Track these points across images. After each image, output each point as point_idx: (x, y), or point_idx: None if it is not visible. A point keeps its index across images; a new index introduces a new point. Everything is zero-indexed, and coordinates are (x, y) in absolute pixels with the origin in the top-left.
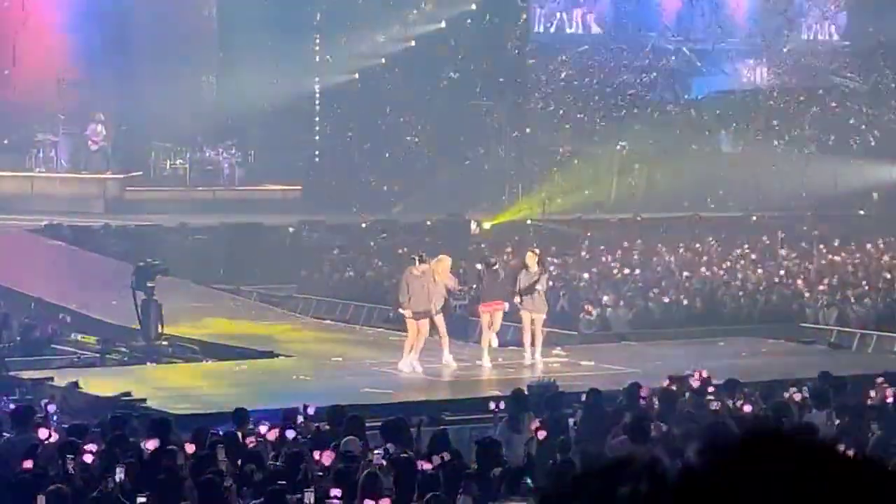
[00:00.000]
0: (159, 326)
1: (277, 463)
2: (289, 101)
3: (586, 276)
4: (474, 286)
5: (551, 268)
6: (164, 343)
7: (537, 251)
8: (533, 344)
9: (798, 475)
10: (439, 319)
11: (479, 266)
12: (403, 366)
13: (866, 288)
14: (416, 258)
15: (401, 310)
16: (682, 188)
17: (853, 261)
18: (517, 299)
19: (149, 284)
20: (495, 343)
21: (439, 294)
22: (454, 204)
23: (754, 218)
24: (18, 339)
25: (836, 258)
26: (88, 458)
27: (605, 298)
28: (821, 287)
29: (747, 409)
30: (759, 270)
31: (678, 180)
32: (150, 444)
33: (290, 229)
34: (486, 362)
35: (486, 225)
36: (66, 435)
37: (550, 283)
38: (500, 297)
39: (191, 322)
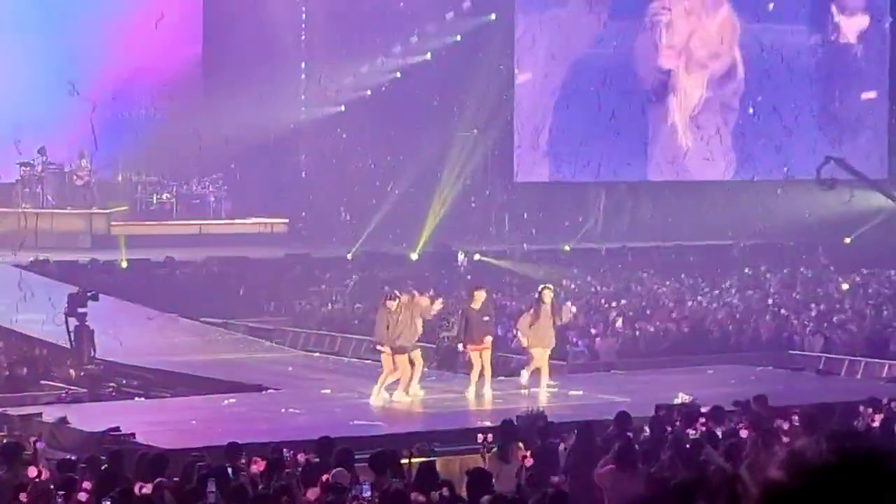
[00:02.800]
0: (92, 351)
1: (265, 495)
2: (274, 134)
3: (574, 308)
4: (458, 323)
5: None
6: (96, 367)
7: (551, 287)
8: (540, 375)
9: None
10: (416, 354)
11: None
12: (379, 400)
13: (852, 315)
14: (389, 295)
15: (378, 347)
16: (667, 218)
17: (839, 288)
18: (526, 337)
19: (80, 311)
20: (525, 379)
21: (415, 329)
22: (441, 235)
23: (742, 245)
24: (7, 374)
25: (821, 286)
26: (83, 497)
27: (594, 330)
28: (807, 315)
29: (743, 433)
30: (747, 299)
31: (664, 210)
32: (146, 489)
33: (277, 262)
34: (471, 396)
35: (476, 256)
36: (56, 471)
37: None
38: (486, 334)
39: (178, 355)
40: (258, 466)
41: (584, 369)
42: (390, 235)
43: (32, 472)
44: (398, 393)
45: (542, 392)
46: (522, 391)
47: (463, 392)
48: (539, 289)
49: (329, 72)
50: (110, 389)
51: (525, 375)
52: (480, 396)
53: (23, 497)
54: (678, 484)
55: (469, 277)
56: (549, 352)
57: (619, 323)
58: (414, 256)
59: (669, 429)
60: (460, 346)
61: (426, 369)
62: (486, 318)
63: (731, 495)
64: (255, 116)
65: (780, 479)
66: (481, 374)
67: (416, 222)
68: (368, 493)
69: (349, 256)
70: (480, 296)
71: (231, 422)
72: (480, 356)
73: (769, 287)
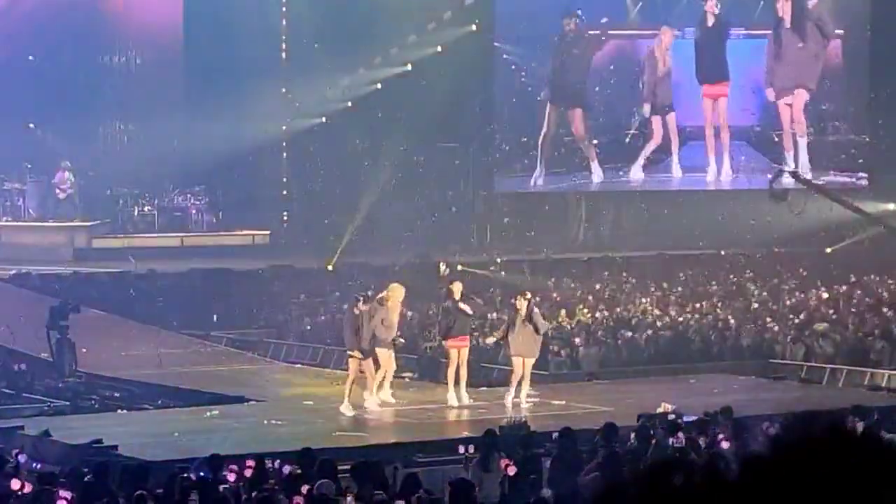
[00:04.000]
0: (73, 364)
1: None
2: (256, 146)
3: (560, 320)
4: (439, 320)
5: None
6: (77, 380)
7: (528, 295)
8: (521, 385)
9: (863, 472)
10: (385, 354)
11: (448, 304)
12: (349, 409)
13: (835, 323)
14: (360, 298)
15: (350, 352)
16: (649, 226)
17: (821, 297)
18: (510, 346)
19: (62, 323)
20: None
21: (383, 328)
22: (422, 246)
23: (723, 253)
24: None
25: (804, 295)
26: None
27: (577, 339)
28: (789, 323)
29: (725, 445)
30: (729, 308)
31: (645, 219)
32: None
33: (259, 274)
34: (453, 401)
35: (458, 267)
36: (38, 483)
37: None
38: (465, 333)
39: (160, 367)
40: (243, 473)
41: (566, 379)
42: (372, 246)
43: (16, 484)
44: (366, 394)
45: (521, 401)
46: (506, 402)
47: (445, 401)
48: (515, 297)
49: (310, 83)
50: (92, 402)
51: (510, 392)
52: (458, 401)
53: None
54: (655, 463)
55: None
56: (530, 361)
57: (601, 332)
58: (396, 268)
59: (654, 441)
60: (443, 343)
61: (407, 378)
62: (468, 313)
63: (710, 472)
64: (237, 128)
65: (758, 453)
66: (457, 379)
67: (399, 233)
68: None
69: (330, 268)
70: (457, 287)
71: (213, 433)
72: (459, 354)
73: (751, 296)
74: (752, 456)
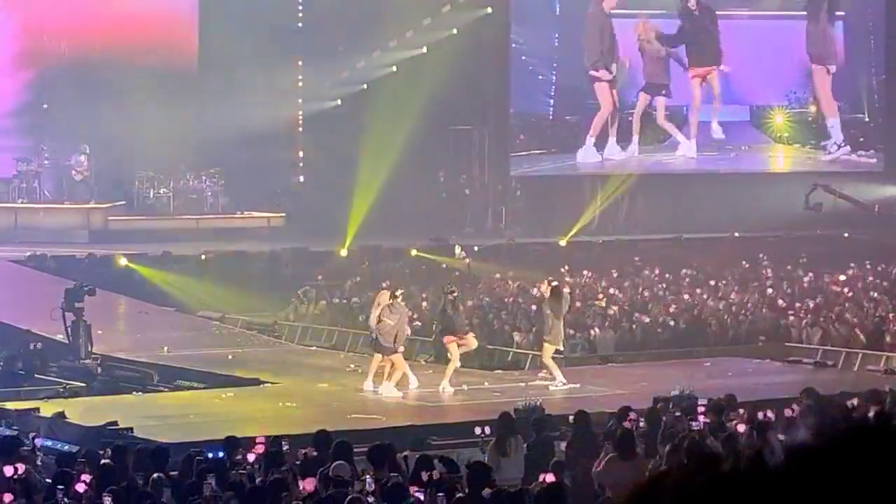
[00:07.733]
0: (89, 345)
1: (262, 488)
2: (271, 129)
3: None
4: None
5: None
6: (94, 362)
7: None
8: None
9: None
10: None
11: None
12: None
13: (850, 307)
14: (392, 291)
15: (400, 348)
16: (664, 210)
17: (837, 281)
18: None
19: (77, 305)
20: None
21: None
22: (438, 229)
23: (737, 235)
24: (1, 364)
25: (820, 279)
26: (82, 489)
27: (590, 321)
28: (805, 307)
29: (741, 428)
30: (744, 291)
31: (660, 202)
32: None
33: (274, 256)
34: (447, 387)
35: (476, 248)
36: (56, 465)
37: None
38: (464, 329)
39: (176, 350)
40: (257, 451)
41: (582, 362)
42: (386, 229)
43: (9, 470)
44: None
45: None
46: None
47: (461, 384)
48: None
49: (325, 65)
50: (108, 384)
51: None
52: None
53: (7, 498)
54: (704, 454)
55: (467, 262)
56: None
57: (617, 316)
58: (413, 252)
59: (664, 418)
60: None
61: (423, 362)
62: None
63: (756, 461)
64: (252, 110)
65: (807, 443)
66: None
67: (414, 215)
68: (373, 487)
69: (344, 252)
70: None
71: (228, 416)
72: (459, 348)
73: (767, 279)
74: (799, 445)
